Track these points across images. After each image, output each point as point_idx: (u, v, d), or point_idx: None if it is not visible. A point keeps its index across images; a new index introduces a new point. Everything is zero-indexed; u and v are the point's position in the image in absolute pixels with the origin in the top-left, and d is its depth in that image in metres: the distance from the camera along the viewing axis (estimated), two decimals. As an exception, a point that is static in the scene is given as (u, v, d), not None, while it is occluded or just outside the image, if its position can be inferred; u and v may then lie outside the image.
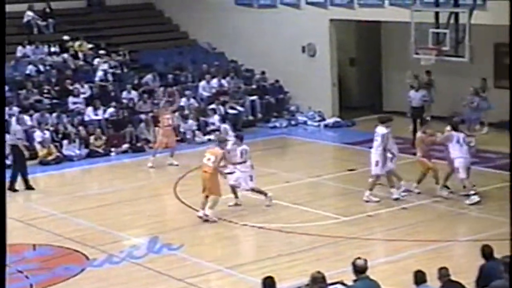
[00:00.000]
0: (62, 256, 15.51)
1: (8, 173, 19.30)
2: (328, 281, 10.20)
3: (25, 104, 24.81)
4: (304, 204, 18.07)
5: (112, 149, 24.03)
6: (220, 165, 17.04)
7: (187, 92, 26.79)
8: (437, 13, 21.86)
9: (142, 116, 25.26)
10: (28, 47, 27.71)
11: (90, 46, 28.66)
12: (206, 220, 16.93)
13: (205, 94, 27.39)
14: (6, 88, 21.93)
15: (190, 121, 25.36)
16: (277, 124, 26.97)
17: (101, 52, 28.49)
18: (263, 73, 28.73)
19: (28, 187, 20.14)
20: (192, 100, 26.60)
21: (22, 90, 25.43)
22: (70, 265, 14.92)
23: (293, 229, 16.45)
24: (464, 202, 17.62)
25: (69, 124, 24.46)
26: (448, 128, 18.25)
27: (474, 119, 23.49)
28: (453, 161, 17.80)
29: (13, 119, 22.65)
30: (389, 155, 17.88)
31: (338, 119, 27.05)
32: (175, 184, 20.22)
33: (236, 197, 17.92)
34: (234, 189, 17.84)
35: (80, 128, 24.37)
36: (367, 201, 17.88)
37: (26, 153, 20.79)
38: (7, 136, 19.69)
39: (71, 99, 25.64)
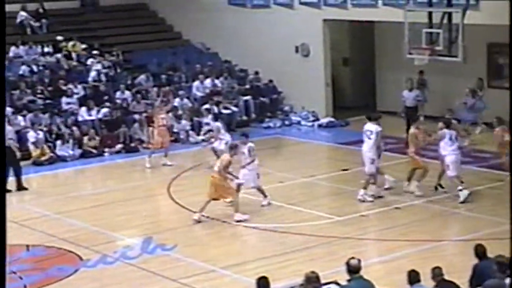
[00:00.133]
0: (55, 257, 15.49)
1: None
2: (322, 281, 10.22)
3: (19, 105, 24.77)
4: (298, 204, 18.08)
5: (106, 150, 24.01)
6: (226, 171, 16.99)
7: (180, 92, 26.79)
8: (430, 13, 21.88)
9: (136, 116, 25.25)
10: (21, 47, 27.67)
11: (83, 46, 28.63)
12: (199, 222, 16.95)
13: (199, 94, 27.39)
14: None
15: (184, 121, 25.36)
16: (271, 124, 26.98)
17: (95, 52, 28.48)
18: (256, 73, 28.74)
19: (21, 187, 20.10)
20: (185, 100, 26.60)
21: (15, 91, 25.39)
22: (63, 266, 14.91)
23: (287, 229, 16.46)
24: (457, 201, 17.64)
25: (63, 125, 24.43)
26: (441, 125, 18.32)
27: (470, 120, 23.50)
28: (444, 159, 17.87)
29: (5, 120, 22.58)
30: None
31: (332, 119, 27.08)
32: (169, 185, 20.21)
33: (265, 196, 17.93)
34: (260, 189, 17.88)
35: (74, 128, 24.34)
36: (362, 201, 17.88)
37: (18, 154, 20.76)
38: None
39: (64, 99, 25.61)
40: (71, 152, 23.49)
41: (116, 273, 14.50)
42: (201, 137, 24.20)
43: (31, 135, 23.20)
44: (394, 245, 15.28)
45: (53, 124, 24.29)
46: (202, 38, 30.36)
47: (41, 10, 29.63)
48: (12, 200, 19.30)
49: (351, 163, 20.68)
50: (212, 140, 21.72)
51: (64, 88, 26.02)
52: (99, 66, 27.66)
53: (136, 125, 24.81)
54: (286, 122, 27.32)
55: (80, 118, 25.01)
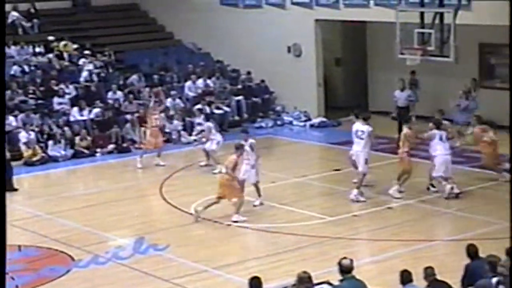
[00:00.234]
0: (47, 257, 15.47)
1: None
2: (314, 281, 10.22)
3: (10, 105, 24.70)
4: (290, 204, 18.08)
5: (98, 150, 23.96)
6: (233, 171, 17.01)
7: (172, 93, 26.77)
8: (422, 13, 21.91)
9: (128, 117, 25.22)
10: (13, 47, 27.59)
11: (75, 46, 28.58)
12: (197, 221, 16.95)
13: (191, 94, 27.37)
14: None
15: (176, 122, 25.33)
16: (263, 124, 26.97)
17: (86, 52, 28.43)
18: (248, 73, 28.74)
19: (12, 188, 19.99)
20: (177, 101, 26.58)
21: (7, 91, 25.32)
22: (55, 266, 14.88)
23: (279, 229, 16.46)
24: (449, 202, 17.69)
25: (54, 125, 24.38)
26: (431, 125, 18.38)
27: (463, 121, 23.52)
28: (433, 159, 17.94)
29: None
30: None
31: (324, 119, 27.10)
32: (161, 185, 20.19)
33: (259, 195, 17.96)
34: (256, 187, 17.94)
35: (66, 128, 24.29)
36: (356, 201, 17.87)
37: (8, 154, 20.67)
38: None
39: (56, 99, 25.56)
40: (63, 153, 23.45)
41: (108, 273, 14.48)
42: (193, 137, 24.21)
43: (23, 136, 23.14)
44: (386, 245, 15.29)
45: (45, 124, 24.23)
46: (194, 38, 30.34)
47: (32, 10, 29.57)
48: (4, 201, 19.24)
49: (343, 163, 20.66)
50: (204, 140, 21.73)
51: (55, 88, 25.97)
52: (90, 66, 27.62)
53: (128, 125, 24.78)
54: (278, 122, 27.33)
55: (72, 118, 24.96)
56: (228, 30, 28.91)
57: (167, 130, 24.75)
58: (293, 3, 27.30)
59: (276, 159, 23.29)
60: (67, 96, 25.88)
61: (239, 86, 28.52)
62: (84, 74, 27.28)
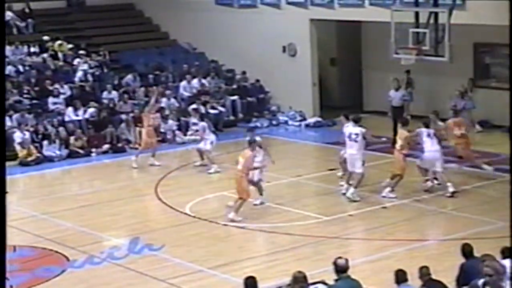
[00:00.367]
0: (42, 257, 15.45)
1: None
2: (310, 281, 10.22)
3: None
4: (285, 204, 18.08)
5: (93, 150, 23.95)
6: (251, 167, 17.06)
7: (167, 92, 26.75)
8: (417, 13, 21.93)
9: (123, 117, 25.19)
10: (7, 47, 27.49)
11: (70, 46, 28.55)
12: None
13: (186, 94, 27.37)
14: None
15: (171, 121, 25.32)
16: (258, 124, 26.95)
17: (81, 52, 28.40)
18: (243, 73, 28.73)
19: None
20: (172, 100, 26.57)
21: (1, 91, 25.26)
22: (50, 266, 14.87)
23: (274, 229, 16.46)
24: (443, 201, 17.71)
25: (49, 125, 24.34)
26: (420, 125, 18.53)
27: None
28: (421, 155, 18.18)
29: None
30: None
31: (319, 119, 27.11)
32: (156, 185, 20.18)
33: (261, 194, 17.98)
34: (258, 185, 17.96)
35: (60, 128, 24.26)
36: (354, 201, 17.88)
37: None
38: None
39: (51, 99, 25.53)
40: (58, 153, 23.42)
41: (103, 273, 14.47)
42: (188, 137, 24.20)
43: (18, 136, 23.11)
44: (381, 245, 15.30)
45: (40, 124, 24.20)
46: (189, 38, 30.33)
47: (27, 10, 29.54)
48: (-1, 201, 19.22)
49: (338, 163, 20.66)
50: (198, 138, 21.73)
51: (50, 88, 25.94)
52: (85, 66, 27.59)
53: (123, 125, 24.76)
54: (273, 122, 27.33)
55: (66, 118, 24.93)
56: (223, 30, 28.90)
57: (162, 130, 24.73)
58: (288, 3, 27.31)
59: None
60: (62, 96, 25.85)
61: (234, 86, 28.51)
62: (79, 74, 27.26)
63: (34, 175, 22.20)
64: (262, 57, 28.06)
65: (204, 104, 26.40)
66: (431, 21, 21.50)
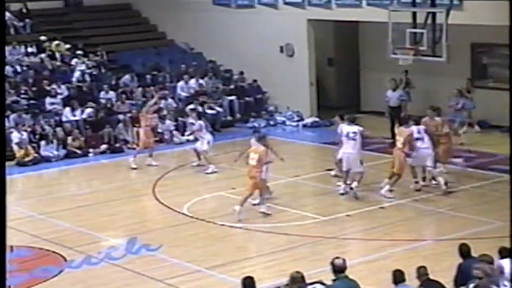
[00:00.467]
0: (40, 258, 15.44)
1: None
2: (307, 281, 10.22)
3: (2, 105, 24.64)
4: (283, 204, 18.07)
5: (90, 150, 23.93)
6: (267, 161, 17.21)
7: (165, 92, 26.73)
8: (414, 13, 21.94)
9: (120, 117, 25.18)
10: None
11: (67, 46, 28.53)
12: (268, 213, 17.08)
13: (183, 94, 27.36)
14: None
15: (168, 122, 25.31)
16: (256, 124, 26.91)
17: (79, 52, 28.39)
18: (241, 73, 28.73)
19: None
20: (170, 101, 26.56)
21: (-2, 91, 25.23)
22: (48, 267, 14.85)
23: (271, 229, 16.46)
24: (442, 201, 17.73)
25: (47, 125, 24.33)
26: (411, 123, 18.56)
27: (459, 121, 23.54)
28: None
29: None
30: None
31: (317, 119, 27.11)
32: (154, 185, 20.17)
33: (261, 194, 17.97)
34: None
35: (58, 129, 24.26)
36: (356, 198, 17.91)
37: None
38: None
39: (48, 99, 25.51)
40: (55, 153, 23.41)
41: (101, 273, 14.46)
42: (185, 137, 24.20)
43: (15, 136, 23.09)
44: (379, 245, 15.30)
45: (37, 124, 24.18)
46: (186, 38, 30.32)
47: (24, 10, 29.51)
48: (-4, 201, 19.20)
49: (334, 163, 20.67)
50: (196, 135, 21.70)
51: (48, 88, 25.92)
52: (83, 66, 27.58)
53: (120, 125, 24.75)
54: (271, 122, 27.33)
55: (64, 119, 24.92)
56: (221, 30, 28.90)
57: (159, 130, 24.72)
58: (285, 3, 27.30)
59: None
60: (59, 96, 25.84)
61: (232, 86, 28.51)
62: (77, 74, 27.25)
63: (31, 175, 22.19)
64: (259, 57, 28.06)
65: (202, 104, 26.39)
66: (429, 21, 21.51)
